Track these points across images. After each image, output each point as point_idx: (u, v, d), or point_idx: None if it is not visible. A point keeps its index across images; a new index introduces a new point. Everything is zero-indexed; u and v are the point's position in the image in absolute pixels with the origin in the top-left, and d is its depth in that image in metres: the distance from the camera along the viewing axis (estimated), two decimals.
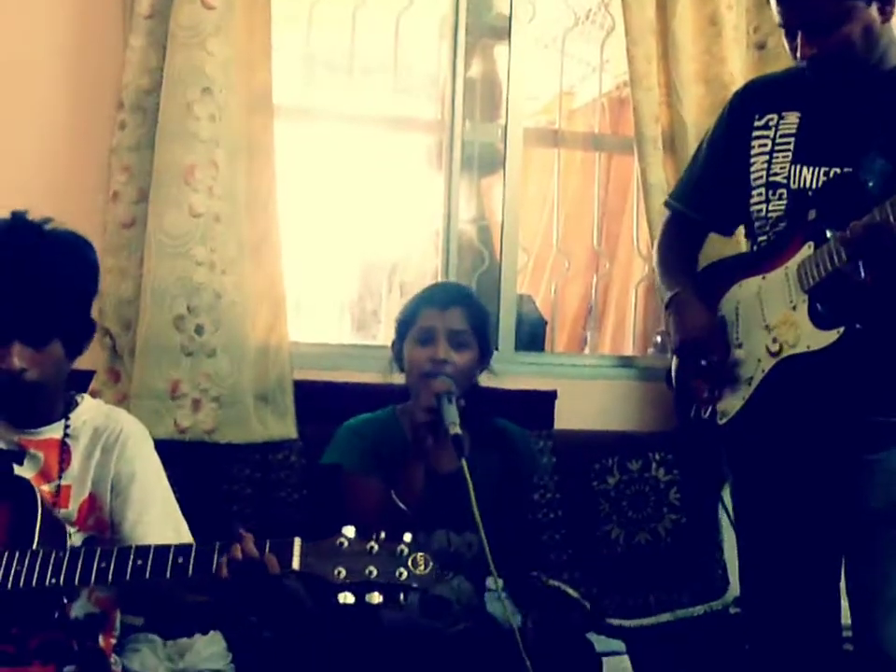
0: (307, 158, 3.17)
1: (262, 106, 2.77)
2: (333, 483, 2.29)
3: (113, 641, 1.87)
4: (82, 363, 1.92)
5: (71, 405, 1.86)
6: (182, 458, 2.02)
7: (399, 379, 2.42)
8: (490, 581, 2.22)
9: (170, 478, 1.92)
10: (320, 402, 2.75)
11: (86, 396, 1.91)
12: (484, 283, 3.22)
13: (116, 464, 1.82)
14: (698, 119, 3.01)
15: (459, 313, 2.34)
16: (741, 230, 2.34)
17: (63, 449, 1.80)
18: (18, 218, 1.78)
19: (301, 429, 2.75)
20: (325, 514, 2.39)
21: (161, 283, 2.62)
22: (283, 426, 2.75)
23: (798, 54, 1.97)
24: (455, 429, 2.09)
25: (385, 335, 3.47)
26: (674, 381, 2.21)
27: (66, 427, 1.82)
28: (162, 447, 1.95)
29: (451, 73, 3.15)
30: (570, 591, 2.61)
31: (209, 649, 2.45)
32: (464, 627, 2.18)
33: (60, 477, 1.78)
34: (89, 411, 1.87)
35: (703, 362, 2.09)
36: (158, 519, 1.82)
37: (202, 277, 2.65)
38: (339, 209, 3.26)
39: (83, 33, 2.73)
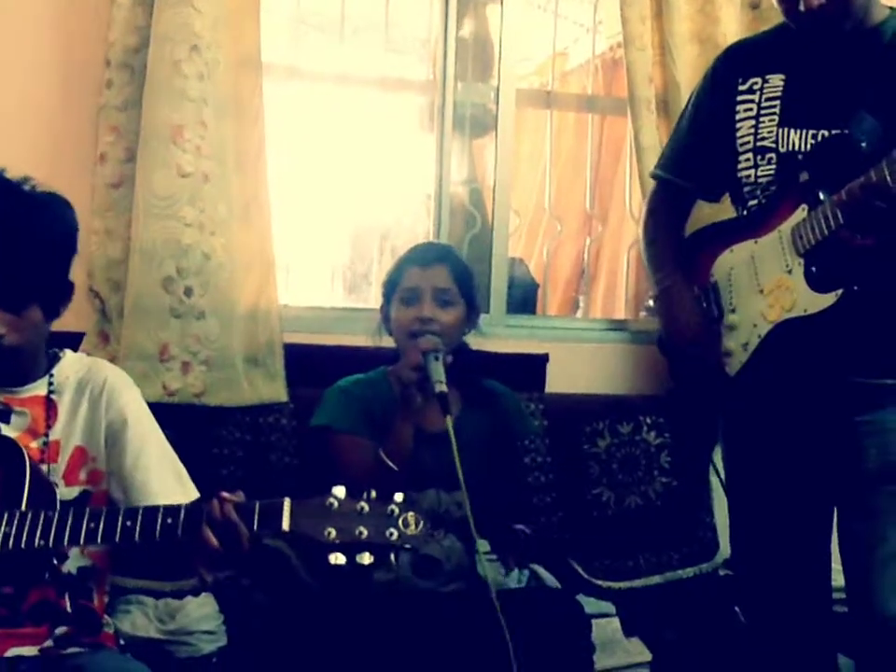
0: (297, 118, 3.14)
1: (251, 65, 2.73)
2: (323, 446, 2.29)
3: (105, 600, 1.86)
4: (72, 325, 1.90)
5: (53, 360, 1.84)
6: (171, 421, 2.01)
7: (389, 342, 2.41)
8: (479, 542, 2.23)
9: None
10: (311, 365, 2.74)
11: (67, 350, 1.88)
12: (476, 246, 3.20)
13: (106, 415, 1.81)
14: (692, 80, 2.96)
15: (443, 270, 2.33)
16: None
17: (49, 405, 1.79)
18: None
19: (292, 392, 2.75)
20: (316, 477, 2.39)
21: (150, 244, 2.60)
22: (273, 388, 2.74)
23: (802, 6, 1.93)
24: (442, 387, 2.08)
25: (376, 298, 3.45)
26: (667, 352, 2.21)
27: (50, 383, 1.80)
28: (151, 409, 1.93)
29: (443, 32, 3.11)
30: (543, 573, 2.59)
31: (200, 610, 2.46)
32: (455, 587, 2.19)
33: (47, 433, 1.77)
34: (71, 365, 1.85)
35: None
36: (156, 461, 1.82)
37: (190, 238, 2.63)
38: (329, 170, 3.23)
39: None
